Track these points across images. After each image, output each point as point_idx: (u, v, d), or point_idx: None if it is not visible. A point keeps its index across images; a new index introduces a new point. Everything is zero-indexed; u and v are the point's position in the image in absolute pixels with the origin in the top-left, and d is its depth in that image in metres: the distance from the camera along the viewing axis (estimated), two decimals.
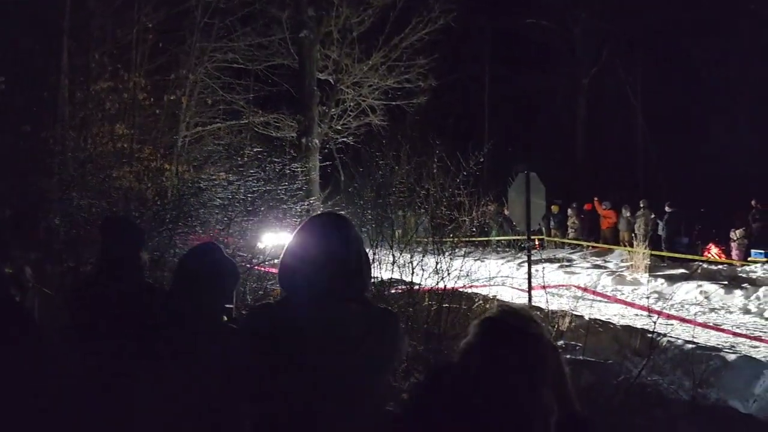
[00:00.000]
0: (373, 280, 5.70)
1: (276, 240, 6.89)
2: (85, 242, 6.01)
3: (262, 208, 7.54)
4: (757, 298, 11.38)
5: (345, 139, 15.68)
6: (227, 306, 2.52)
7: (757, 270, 13.42)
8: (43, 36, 8.18)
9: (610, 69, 24.66)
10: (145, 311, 2.40)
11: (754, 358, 6.98)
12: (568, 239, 19.34)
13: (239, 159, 9.19)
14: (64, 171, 7.43)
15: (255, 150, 10.62)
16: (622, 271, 14.19)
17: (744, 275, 13.11)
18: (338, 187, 14.23)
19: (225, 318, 2.53)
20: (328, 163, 15.15)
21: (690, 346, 7.24)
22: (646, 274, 13.05)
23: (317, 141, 14.55)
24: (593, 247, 18.04)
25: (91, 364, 2.51)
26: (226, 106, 14.07)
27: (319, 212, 6.25)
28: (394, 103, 15.86)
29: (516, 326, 1.58)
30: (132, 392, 2.23)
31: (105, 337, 2.48)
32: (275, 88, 15.17)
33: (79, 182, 7.28)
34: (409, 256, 6.58)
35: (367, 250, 2.31)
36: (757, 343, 8.34)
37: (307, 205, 9.75)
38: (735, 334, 8.79)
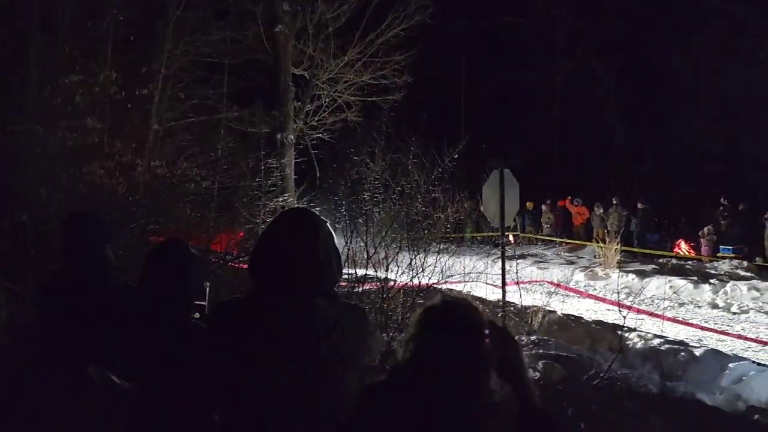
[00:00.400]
0: (345, 276, 5.69)
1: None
2: (55, 239, 5.90)
3: (236, 204, 7.48)
4: (725, 293, 11.65)
5: (320, 135, 15.58)
6: (200, 303, 2.50)
7: (724, 266, 13.73)
8: (10, 28, 8.00)
9: (585, 67, 24.93)
10: (111, 309, 2.36)
11: (721, 352, 7.12)
12: (542, 235, 19.53)
13: (213, 154, 9.10)
14: (33, 166, 7.28)
15: (229, 145, 10.53)
16: (594, 267, 14.40)
17: (712, 271, 13.42)
18: (313, 184, 14.16)
19: (198, 315, 2.51)
20: (303, 159, 15.06)
21: (659, 340, 7.37)
22: (618, 270, 13.26)
23: (292, 137, 14.46)
24: (566, 243, 18.25)
25: (58, 363, 2.46)
26: (200, 101, 13.88)
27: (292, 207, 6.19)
28: (369, 99, 15.79)
29: (453, 315, 1.56)
30: (101, 391, 2.21)
31: (70, 335, 2.44)
32: (250, 83, 15.01)
33: (49, 177, 7.13)
34: (383, 252, 6.56)
35: (340, 246, 2.32)
36: (723, 337, 8.53)
37: (282, 201, 9.70)
38: (703, 328, 8.98)
